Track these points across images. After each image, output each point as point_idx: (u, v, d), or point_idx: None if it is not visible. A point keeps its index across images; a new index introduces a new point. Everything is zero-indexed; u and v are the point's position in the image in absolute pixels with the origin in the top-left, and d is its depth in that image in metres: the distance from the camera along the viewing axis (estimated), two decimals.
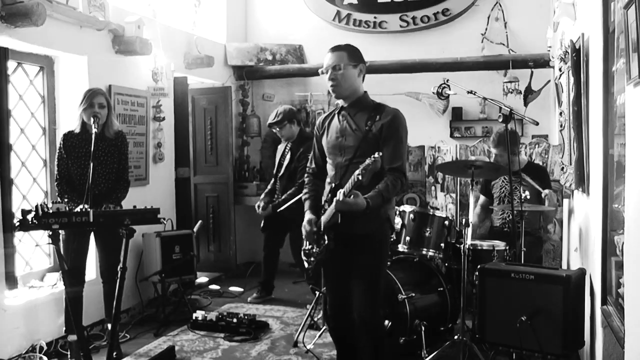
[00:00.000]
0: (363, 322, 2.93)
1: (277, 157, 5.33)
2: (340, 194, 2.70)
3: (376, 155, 2.59)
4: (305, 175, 3.24)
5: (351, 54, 2.97)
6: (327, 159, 3.09)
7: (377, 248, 2.98)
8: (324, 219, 2.94)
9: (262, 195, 5.30)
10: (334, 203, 2.79)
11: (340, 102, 3.06)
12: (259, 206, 5.23)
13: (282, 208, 4.87)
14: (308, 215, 3.06)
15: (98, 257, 4.07)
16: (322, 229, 2.95)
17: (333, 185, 2.93)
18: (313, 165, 3.21)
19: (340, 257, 2.96)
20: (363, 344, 3.00)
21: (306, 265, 3.10)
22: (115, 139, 3.98)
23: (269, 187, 5.33)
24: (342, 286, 3.04)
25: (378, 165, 2.60)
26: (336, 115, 3.06)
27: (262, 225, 5.25)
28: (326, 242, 2.92)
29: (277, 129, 5.10)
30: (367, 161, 2.60)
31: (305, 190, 3.19)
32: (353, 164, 2.86)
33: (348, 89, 2.95)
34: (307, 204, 3.12)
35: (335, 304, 3.14)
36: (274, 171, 5.30)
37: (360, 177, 2.60)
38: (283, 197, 4.99)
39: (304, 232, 3.05)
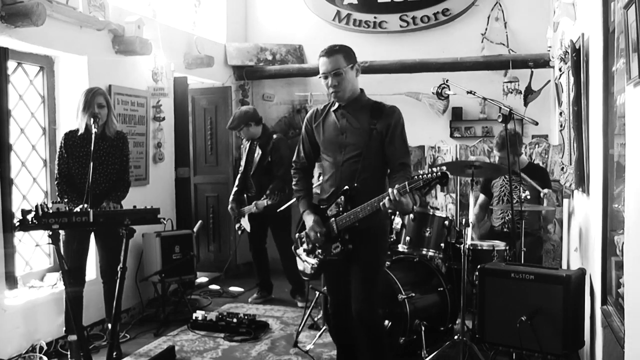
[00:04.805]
0: (360, 317, 2.91)
1: (243, 155, 5.31)
2: (395, 192, 2.61)
3: (443, 168, 2.53)
4: (293, 169, 3.16)
5: (347, 55, 2.90)
6: (323, 156, 3.05)
7: (376, 241, 2.98)
8: (340, 220, 2.89)
9: (232, 197, 5.23)
10: (368, 203, 2.75)
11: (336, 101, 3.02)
12: (232, 208, 5.17)
13: (283, 207, 4.82)
14: (312, 217, 2.98)
15: (98, 257, 4.07)
16: (336, 231, 2.91)
17: (347, 188, 2.88)
18: (302, 159, 3.13)
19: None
20: (361, 341, 2.98)
21: (310, 266, 3.05)
22: (116, 139, 3.98)
23: (235, 187, 5.29)
24: (343, 285, 3.02)
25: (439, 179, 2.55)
26: (332, 113, 3.01)
27: (242, 228, 5.20)
28: (342, 244, 2.89)
29: (237, 131, 5.18)
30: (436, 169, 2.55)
31: (296, 188, 3.13)
32: (366, 160, 2.86)
33: (349, 91, 2.92)
34: (303, 204, 3.06)
35: (338, 303, 3.13)
36: (242, 169, 5.27)
37: (425, 179, 2.55)
38: (268, 192, 4.92)
39: (312, 236, 2.95)
